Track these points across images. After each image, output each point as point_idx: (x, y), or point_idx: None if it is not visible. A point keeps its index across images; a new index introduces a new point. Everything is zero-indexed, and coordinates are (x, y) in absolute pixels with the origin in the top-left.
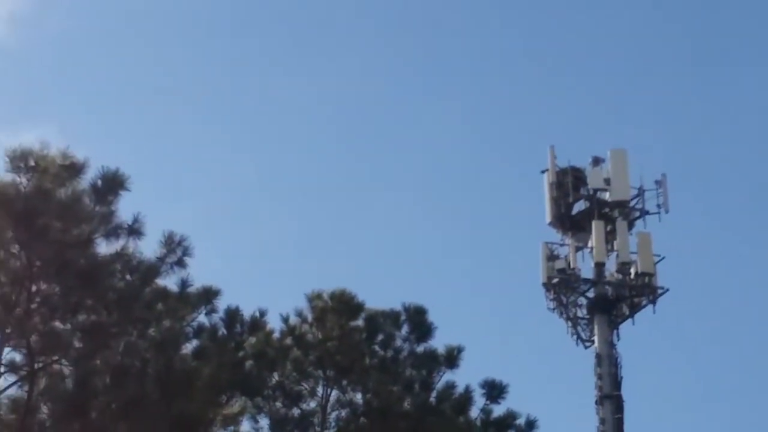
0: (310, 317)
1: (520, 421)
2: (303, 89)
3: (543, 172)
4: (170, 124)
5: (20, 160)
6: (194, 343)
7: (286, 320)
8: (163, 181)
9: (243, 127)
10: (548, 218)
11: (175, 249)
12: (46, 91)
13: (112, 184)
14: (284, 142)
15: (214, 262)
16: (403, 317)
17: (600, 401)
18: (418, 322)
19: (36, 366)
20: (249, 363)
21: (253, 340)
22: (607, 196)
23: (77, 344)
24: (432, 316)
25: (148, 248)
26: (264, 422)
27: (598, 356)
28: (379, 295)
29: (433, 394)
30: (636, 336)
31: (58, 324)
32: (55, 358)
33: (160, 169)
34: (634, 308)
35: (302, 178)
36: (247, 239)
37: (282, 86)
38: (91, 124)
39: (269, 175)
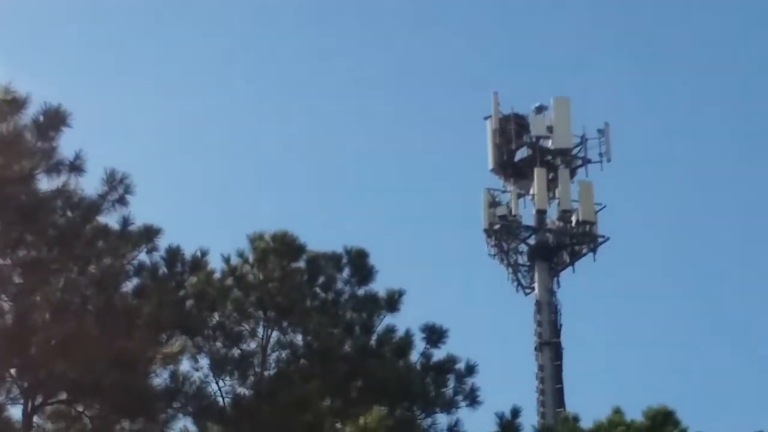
0: (251, 258)
1: (460, 365)
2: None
3: (486, 118)
4: (119, 56)
5: None
6: (135, 281)
7: (227, 260)
8: (109, 116)
9: (188, 64)
10: (491, 165)
11: (117, 186)
12: None
13: (54, 120)
14: (227, 77)
15: (155, 200)
16: (344, 260)
17: (539, 348)
18: (360, 265)
19: None
20: (189, 302)
21: (193, 279)
22: (549, 143)
23: (17, 280)
24: (373, 260)
25: (89, 185)
26: (204, 362)
27: (538, 303)
28: (321, 237)
29: (374, 337)
30: (576, 284)
31: None
32: None
33: (106, 102)
34: (575, 256)
35: (246, 116)
36: (189, 178)
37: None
38: (37, 54)
39: (212, 112)
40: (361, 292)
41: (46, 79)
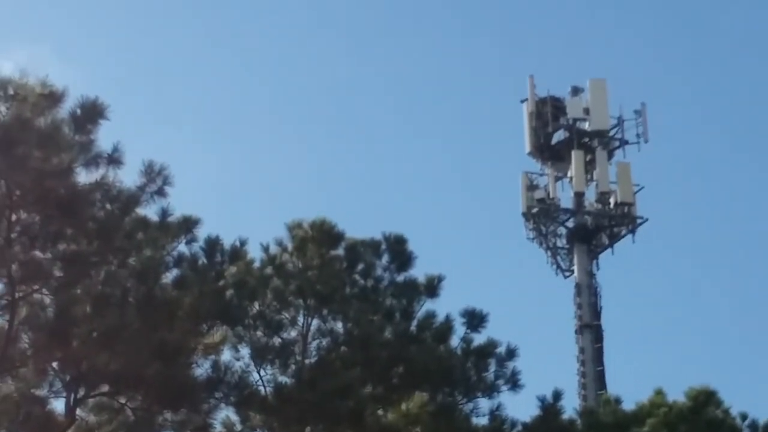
0: (290, 246)
1: (501, 349)
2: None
3: (522, 101)
4: (164, 47)
5: None
6: (174, 272)
7: (266, 249)
8: (150, 104)
9: (234, 53)
10: (528, 148)
11: (155, 178)
12: (40, 11)
13: (92, 113)
14: (269, 69)
15: (195, 191)
16: (383, 246)
17: (580, 330)
18: (399, 251)
19: (17, 295)
20: (229, 292)
21: (233, 269)
22: (586, 125)
23: (58, 273)
24: (412, 246)
25: (128, 177)
26: (245, 351)
27: (578, 286)
28: (360, 224)
29: (414, 323)
30: (615, 266)
31: (38, 253)
32: (36, 287)
33: (149, 90)
34: (614, 238)
35: (281, 103)
36: (228, 169)
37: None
38: (85, 44)
39: (251, 104)
40: (400, 278)
41: (95, 65)
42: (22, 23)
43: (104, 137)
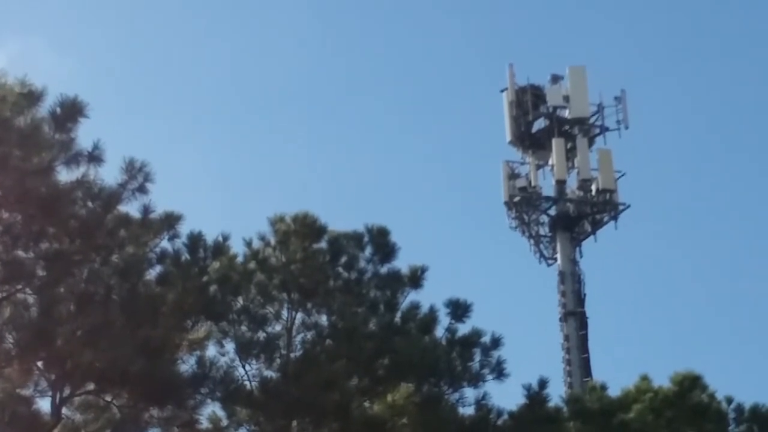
0: (273, 241)
1: (485, 339)
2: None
3: (502, 91)
4: (156, 38)
5: None
6: (158, 269)
7: (249, 244)
8: (133, 98)
9: (225, 45)
10: (508, 137)
11: (136, 175)
12: (33, 2)
13: (71, 112)
14: (254, 62)
15: (175, 187)
16: (366, 239)
17: (564, 318)
18: (381, 243)
19: (0, 295)
20: (213, 288)
21: (216, 264)
22: (566, 113)
23: (41, 272)
24: (395, 237)
25: (109, 175)
26: (230, 346)
27: (561, 273)
28: (342, 217)
29: (398, 314)
30: (598, 253)
31: (20, 253)
32: (19, 286)
33: (134, 81)
34: (596, 225)
35: (265, 99)
36: (208, 164)
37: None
38: (78, 35)
39: (233, 97)
40: (383, 270)
41: (89, 56)
42: (16, 14)
43: (93, 129)
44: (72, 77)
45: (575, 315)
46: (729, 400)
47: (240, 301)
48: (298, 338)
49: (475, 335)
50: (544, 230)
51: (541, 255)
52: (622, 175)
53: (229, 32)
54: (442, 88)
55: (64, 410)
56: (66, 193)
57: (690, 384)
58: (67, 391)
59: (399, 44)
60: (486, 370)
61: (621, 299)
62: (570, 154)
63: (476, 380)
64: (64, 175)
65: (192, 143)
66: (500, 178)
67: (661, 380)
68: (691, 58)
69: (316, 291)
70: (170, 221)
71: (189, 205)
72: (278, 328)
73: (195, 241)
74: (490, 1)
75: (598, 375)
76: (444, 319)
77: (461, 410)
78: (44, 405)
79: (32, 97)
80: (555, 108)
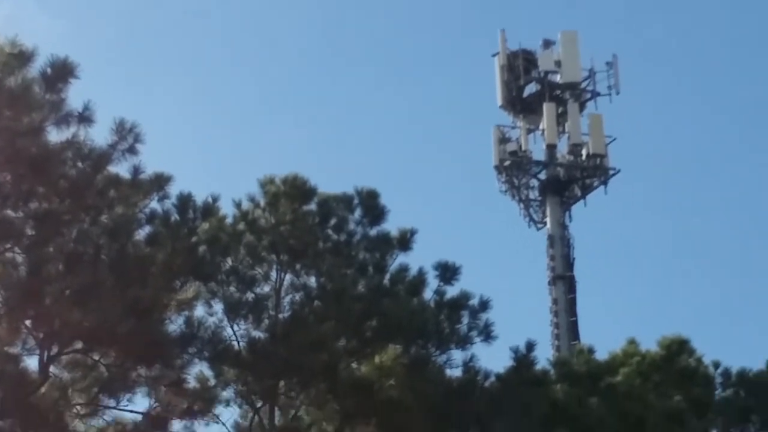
0: (262, 202)
1: (474, 301)
2: None
3: (494, 55)
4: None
5: None
6: (147, 229)
7: (238, 205)
8: (124, 60)
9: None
10: (500, 101)
11: (126, 136)
12: None
13: (62, 72)
14: (242, 24)
15: (165, 147)
16: (355, 201)
17: (553, 281)
18: (371, 205)
19: None
20: (202, 248)
21: (206, 225)
22: (558, 78)
23: (30, 232)
24: (385, 200)
25: (99, 136)
26: (218, 307)
27: (551, 237)
28: (332, 179)
29: (387, 276)
30: (588, 217)
31: (10, 212)
32: (8, 245)
33: (126, 43)
34: (586, 189)
35: (254, 60)
36: (198, 126)
37: None
38: None
39: (221, 59)
40: (373, 232)
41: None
42: None
43: (83, 91)
44: (63, 40)
45: (564, 279)
46: (716, 365)
47: (229, 261)
48: (287, 299)
49: (464, 298)
50: (533, 194)
51: (531, 219)
52: (613, 140)
53: None
54: (433, 53)
55: (51, 368)
56: (56, 154)
57: (677, 348)
58: (54, 350)
59: (391, 8)
60: (474, 333)
61: (610, 264)
62: (561, 118)
63: (464, 342)
64: (55, 136)
65: (182, 105)
66: (491, 142)
67: (649, 344)
68: (682, 24)
69: (305, 252)
70: (160, 182)
71: (179, 167)
72: (267, 289)
73: (184, 202)
74: None
75: (586, 338)
76: (433, 282)
77: (449, 372)
78: (32, 363)
79: (23, 57)
80: (546, 73)
